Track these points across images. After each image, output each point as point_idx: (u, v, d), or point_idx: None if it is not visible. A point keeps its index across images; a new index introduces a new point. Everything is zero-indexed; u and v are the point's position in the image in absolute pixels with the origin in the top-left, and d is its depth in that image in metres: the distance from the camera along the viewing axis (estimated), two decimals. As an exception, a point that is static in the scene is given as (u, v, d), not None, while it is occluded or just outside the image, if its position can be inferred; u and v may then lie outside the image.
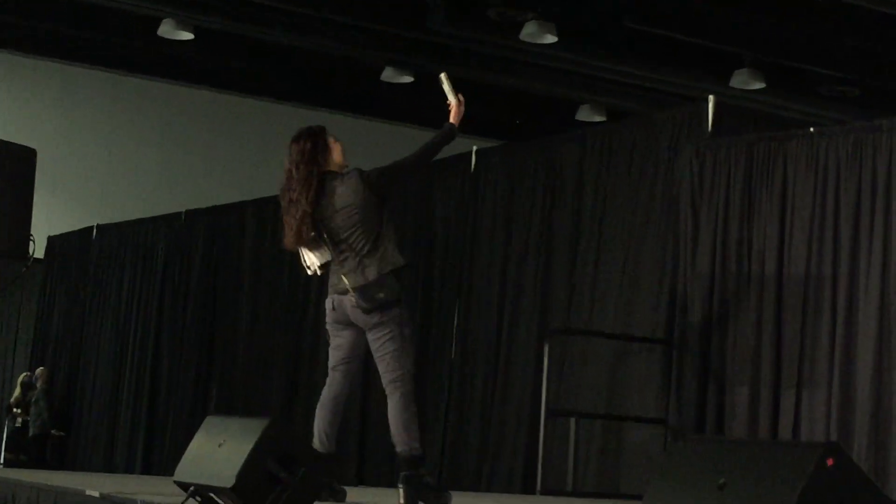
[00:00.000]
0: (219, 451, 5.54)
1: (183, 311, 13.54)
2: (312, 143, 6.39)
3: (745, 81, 12.84)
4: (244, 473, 5.26)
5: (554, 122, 13.11)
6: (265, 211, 12.86)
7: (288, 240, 6.45)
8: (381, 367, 6.33)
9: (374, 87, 14.64)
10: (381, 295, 6.23)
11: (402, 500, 6.14)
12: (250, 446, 5.33)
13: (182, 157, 16.24)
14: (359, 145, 15.33)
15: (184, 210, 13.90)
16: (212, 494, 5.51)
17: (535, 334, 10.20)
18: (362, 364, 6.56)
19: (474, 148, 11.20)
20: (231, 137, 16.22)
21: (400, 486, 6.19)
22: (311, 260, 6.48)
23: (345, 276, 6.32)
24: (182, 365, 13.42)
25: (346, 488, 6.63)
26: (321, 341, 11.93)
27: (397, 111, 15.34)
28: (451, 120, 6.55)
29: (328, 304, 6.47)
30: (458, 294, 11.04)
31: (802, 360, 8.44)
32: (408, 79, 14.11)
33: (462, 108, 6.59)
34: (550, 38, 12.34)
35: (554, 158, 10.62)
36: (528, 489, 9.79)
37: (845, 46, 12.41)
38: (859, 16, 11.30)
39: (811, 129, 8.88)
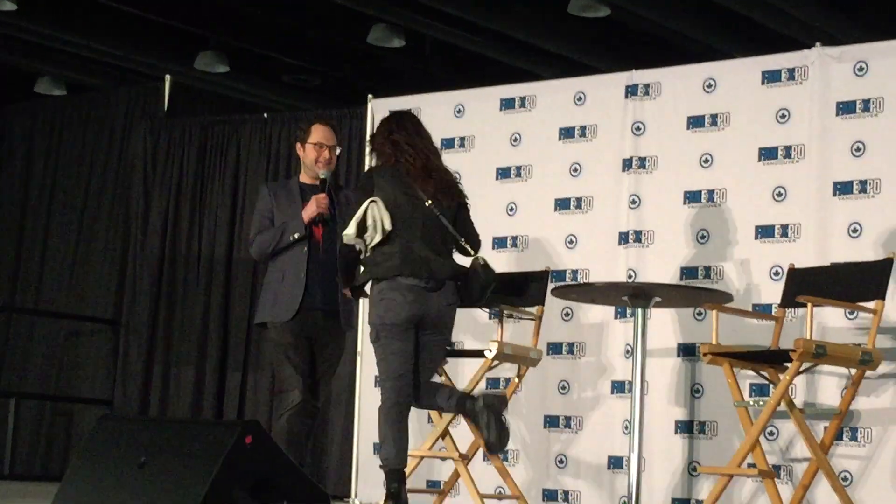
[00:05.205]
0: None
1: None
2: None
3: (209, 64, 12.82)
4: None
5: (11, 93, 12.62)
6: None
7: None
8: None
9: None
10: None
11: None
12: None
13: None
14: None
15: None
16: None
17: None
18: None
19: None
20: None
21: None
22: None
23: None
24: None
25: None
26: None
27: None
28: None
29: None
30: None
31: (248, 342, 8.61)
32: None
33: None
34: (9, 6, 11.87)
35: (5, 130, 10.33)
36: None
37: (309, 36, 12.71)
38: (323, 8, 11.60)
39: (265, 115, 9.08)
